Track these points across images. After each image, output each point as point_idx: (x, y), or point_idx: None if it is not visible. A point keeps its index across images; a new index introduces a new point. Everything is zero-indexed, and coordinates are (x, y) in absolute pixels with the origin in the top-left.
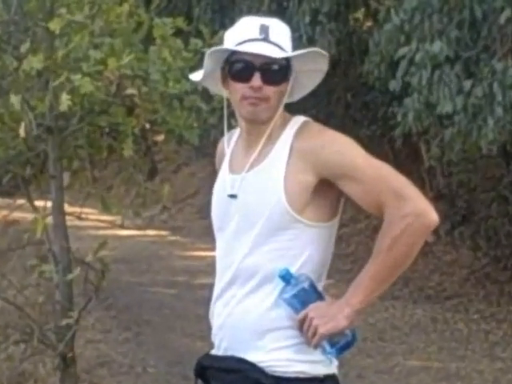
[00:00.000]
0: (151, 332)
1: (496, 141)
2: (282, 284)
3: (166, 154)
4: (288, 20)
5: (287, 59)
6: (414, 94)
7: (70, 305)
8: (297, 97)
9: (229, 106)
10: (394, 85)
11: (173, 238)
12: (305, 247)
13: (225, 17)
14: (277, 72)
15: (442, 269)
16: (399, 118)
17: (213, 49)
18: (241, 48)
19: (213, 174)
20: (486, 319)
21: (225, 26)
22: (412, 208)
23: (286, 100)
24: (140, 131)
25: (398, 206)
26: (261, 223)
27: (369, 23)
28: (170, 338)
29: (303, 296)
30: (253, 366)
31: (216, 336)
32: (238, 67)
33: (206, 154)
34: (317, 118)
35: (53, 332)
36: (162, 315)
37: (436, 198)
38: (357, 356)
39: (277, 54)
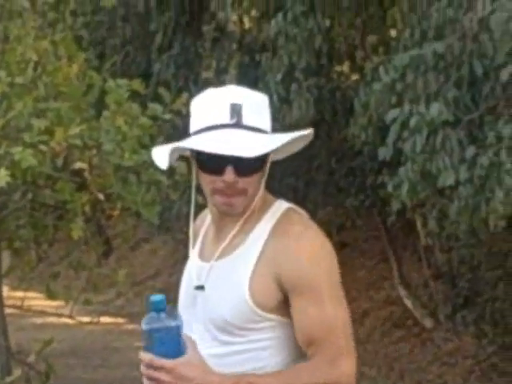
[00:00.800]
0: None
1: (505, 215)
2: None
3: (122, 229)
4: (261, 77)
5: None
6: (407, 163)
7: None
8: (279, 157)
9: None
10: (385, 152)
11: (131, 326)
12: (282, 346)
13: (190, 72)
14: (253, 163)
15: (443, 359)
16: (390, 188)
17: (174, 146)
18: (207, 146)
19: (176, 252)
20: None
21: (189, 87)
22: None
23: (264, 183)
24: (91, 207)
25: (328, 367)
26: (226, 321)
27: (354, 77)
28: None
29: (166, 338)
30: None
31: None
32: (207, 160)
33: (168, 229)
34: (296, 187)
35: None
36: None
37: (434, 277)
38: None
39: (252, 151)
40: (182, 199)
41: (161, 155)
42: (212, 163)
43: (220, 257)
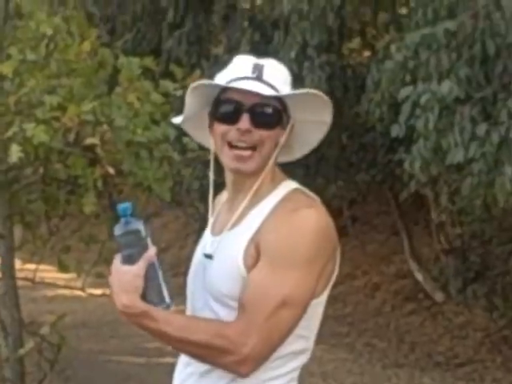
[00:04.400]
0: None
1: None
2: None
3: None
4: (273, 55)
5: (283, 103)
6: (420, 140)
7: (22, 383)
8: (298, 154)
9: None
10: (397, 130)
11: None
12: None
13: (202, 49)
14: (269, 115)
15: (454, 332)
16: (406, 165)
17: (195, 84)
18: (227, 84)
19: (187, 226)
20: None
21: (200, 64)
22: (243, 353)
23: (278, 151)
24: (103, 182)
25: (233, 335)
26: (222, 293)
27: (365, 54)
28: None
29: (131, 241)
30: None
31: None
32: (225, 107)
33: (179, 203)
34: (308, 162)
35: None
36: None
37: (446, 252)
38: None
39: (267, 91)
40: (192, 175)
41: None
42: (229, 110)
43: (230, 229)
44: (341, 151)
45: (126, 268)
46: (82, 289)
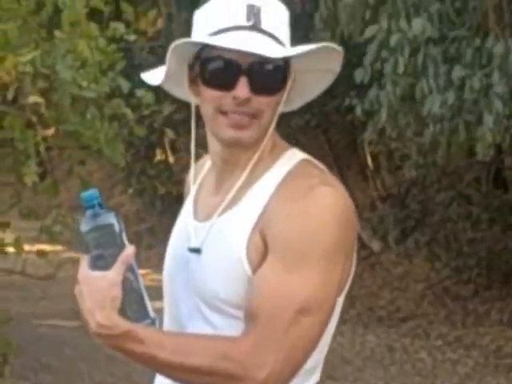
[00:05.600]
0: (53, 380)
1: (495, 143)
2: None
3: (58, 151)
4: None
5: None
6: (387, 86)
7: None
8: (297, 105)
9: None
10: (362, 74)
11: (72, 253)
12: None
13: None
14: (272, 76)
15: (393, 283)
16: (358, 111)
17: (180, 41)
18: (220, 42)
19: (113, 175)
20: (451, 345)
21: (157, 2)
22: (258, 378)
23: (279, 112)
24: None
25: (242, 355)
26: (219, 298)
27: None
28: None
29: (103, 239)
30: None
31: None
32: (215, 68)
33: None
34: None
35: None
36: (64, 357)
37: (382, 199)
38: None
39: (277, 52)
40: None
41: (153, 72)
42: (221, 73)
43: (222, 213)
44: None
45: (99, 274)
46: (22, 272)
